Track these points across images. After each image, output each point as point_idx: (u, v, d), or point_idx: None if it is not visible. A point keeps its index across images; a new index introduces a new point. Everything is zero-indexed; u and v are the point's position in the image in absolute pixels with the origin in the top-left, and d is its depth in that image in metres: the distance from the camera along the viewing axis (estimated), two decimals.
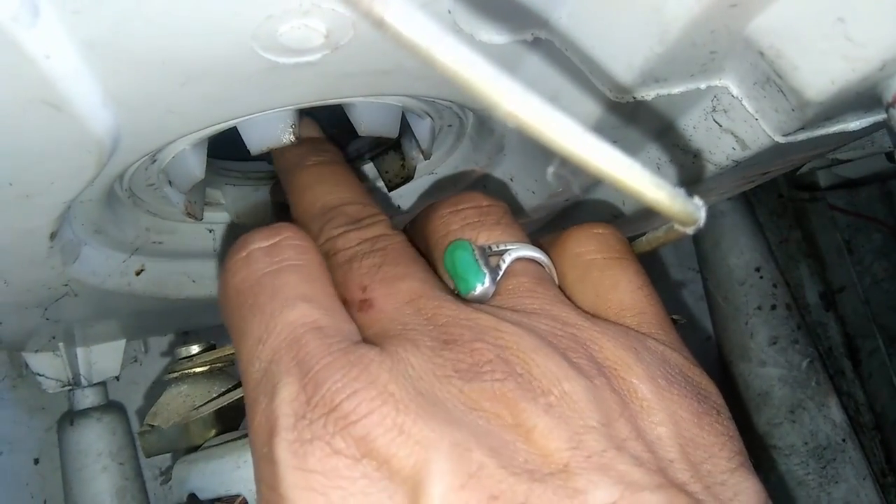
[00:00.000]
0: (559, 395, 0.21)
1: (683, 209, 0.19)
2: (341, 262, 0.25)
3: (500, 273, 0.25)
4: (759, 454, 0.74)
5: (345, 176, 0.30)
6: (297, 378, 0.21)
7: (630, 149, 0.35)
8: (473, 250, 0.25)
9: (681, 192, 0.20)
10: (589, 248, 0.26)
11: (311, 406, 0.20)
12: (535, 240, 0.28)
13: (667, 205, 0.19)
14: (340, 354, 0.21)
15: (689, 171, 0.35)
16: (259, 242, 0.25)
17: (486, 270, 0.24)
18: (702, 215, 0.20)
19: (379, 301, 0.24)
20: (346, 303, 0.24)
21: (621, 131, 0.33)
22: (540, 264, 0.26)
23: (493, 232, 0.26)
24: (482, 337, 0.22)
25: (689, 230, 0.21)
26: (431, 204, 0.28)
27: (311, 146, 0.33)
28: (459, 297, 0.25)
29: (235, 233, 0.44)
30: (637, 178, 0.18)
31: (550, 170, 0.38)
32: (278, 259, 0.24)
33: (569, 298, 0.26)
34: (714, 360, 0.81)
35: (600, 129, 0.32)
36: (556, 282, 0.27)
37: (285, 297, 0.23)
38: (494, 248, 0.25)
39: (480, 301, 0.24)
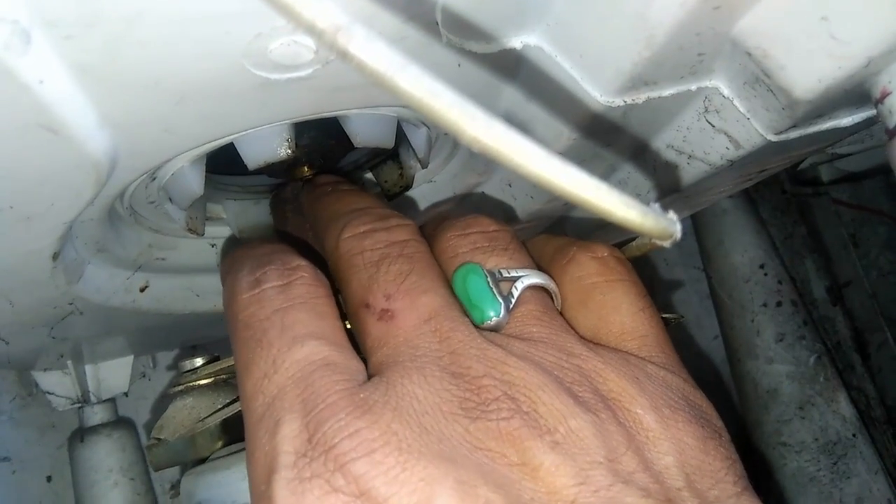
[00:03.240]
0: (565, 432, 0.21)
1: (656, 225, 0.19)
2: (367, 263, 0.25)
3: (513, 301, 0.25)
4: (769, 452, 0.74)
5: (370, 194, 0.31)
6: (301, 416, 0.21)
7: (623, 154, 0.36)
8: (486, 276, 0.25)
9: (654, 207, 0.20)
10: (590, 271, 0.27)
11: (312, 444, 0.20)
12: (535, 259, 0.28)
13: (638, 223, 0.19)
14: (346, 394, 0.21)
15: (685, 172, 0.35)
16: (273, 282, 0.25)
17: (500, 299, 0.24)
18: (677, 229, 0.21)
19: (400, 314, 0.24)
20: (366, 308, 0.24)
21: (613, 136, 0.33)
22: (546, 290, 0.26)
23: (502, 257, 0.26)
24: (490, 372, 0.22)
25: (666, 244, 0.21)
26: (438, 225, 0.28)
27: (338, 181, 0.33)
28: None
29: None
30: (605, 198, 0.18)
31: (520, 186, 0.39)
32: (291, 297, 0.24)
33: (570, 321, 0.26)
34: (721, 358, 0.81)
35: (592, 136, 0.32)
36: (560, 306, 0.27)
37: (295, 334, 0.23)
38: (504, 274, 0.25)
39: (494, 330, 0.24)
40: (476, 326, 0.24)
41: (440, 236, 0.27)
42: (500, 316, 0.24)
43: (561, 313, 0.27)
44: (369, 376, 0.23)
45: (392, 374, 0.22)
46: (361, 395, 0.21)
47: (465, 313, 0.25)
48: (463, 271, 0.25)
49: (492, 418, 0.21)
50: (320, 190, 0.32)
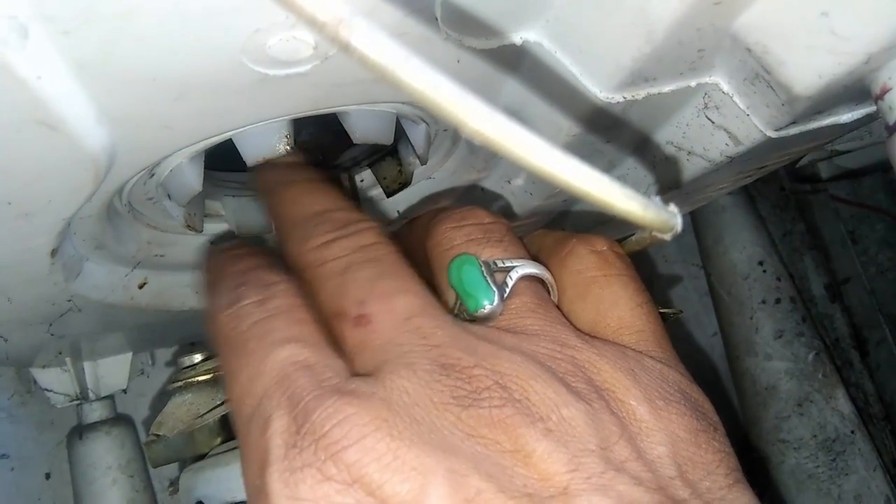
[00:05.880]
0: (558, 420, 0.21)
1: (657, 218, 0.19)
2: (334, 272, 0.25)
3: (508, 291, 0.25)
4: (767, 448, 0.74)
5: (329, 189, 0.30)
6: (288, 410, 0.21)
7: (623, 150, 0.36)
8: (481, 266, 0.25)
9: (655, 201, 0.20)
10: (589, 265, 0.27)
11: (301, 434, 0.20)
12: (533, 252, 0.28)
13: (639, 215, 0.19)
14: (332, 388, 0.21)
15: (684, 168, 0.35)
16: (251, 298, 0.25)
17: (494, 288, 0.24)
18: (677, 222, 0.21)
19: (377, 317, 0.23)
20: (339, 316, 0.24)
21: (613, 132, 0.33)
22: (542, 281, 0.26)
23: (497, 249, 0.26)
24: (480, 363, 0.22)
25: (667, 237, 0.21)
26: (433, 217, 0.28)
27: (293, 167, 0.32)
28: (456, 314, 0.25)
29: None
30: (607, 190, 0.18)
31: (518, 182, 0.39)
32: (267, 308, 0.24)
33: (568, 315, 0.26)
34: (720, 355, 0.81)
35: (592, 132, 0.32)
36: (556, 299, 0.27)
37: (273, 339, 0.23)
38: (499, 265, 0.25)
39: (488, 319, 0.24)
40: (469, 316, 0.24)
41: (435, 228, 0.27)
42: (495, 304, 0.24)
43: (558, 306, 0.26)
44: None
45: (380, 372, 0.22)
46: (350, 387, 0.21)
47: (446, 308, 0.24)
48: (458, 261, 0.25)
49: (484, 406, 0.21)
50: (272, 179, 0.31)
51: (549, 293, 0.27)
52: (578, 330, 0.25)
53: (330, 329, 0.24)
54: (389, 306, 0.23)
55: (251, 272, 0.26)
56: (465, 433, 0.20)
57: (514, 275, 0.25)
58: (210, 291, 0.27)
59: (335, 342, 0.24)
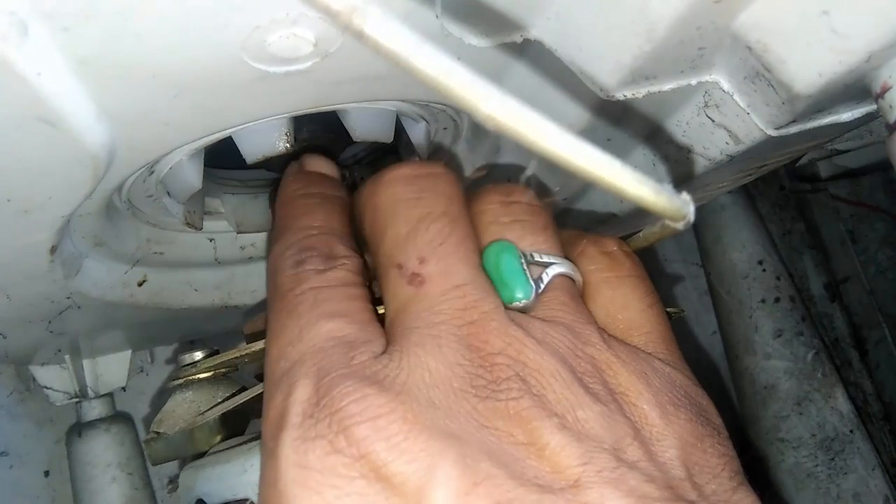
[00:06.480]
0: (573, 420, 0.21)
1: (669, 205, 0.19)
2: (407, 216, 0.25)
3: (542, 287, 0.25)
4: (766, 447, 0.74)
5: None
6: (314, 381, 0.21)
7: (624, 146, 0.36)
8: (520, 257, 0.25)
9: (667, 188, 0.20)
10: (600, 266, 0.27)
11: (319, 406, 0.21)
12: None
13: (651, 201, 0.19)
14: (360, 366, 0.22)
15: (685, 166, 0.35)
16: (315, 265, 0.25)
17: (532, 283, 0.25)
18: (690, 210, 0.21)
19: (430, 280, 0.23)
20: (398, 267, 0.24)
21: (614, 130, 0.33)
22: (573, 280, 0.26)
23: (538, 238, 0.26)
24: (506, 349, 0.22)
25: (679, 226, 0.21)
26: (482, 186, 0.28)
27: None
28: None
29: (236, 242, 0.44)
30: (619, 175, 0.18)
31: (528, 172, 0.38)
32: (327, 279, 0.25)
33: None
34: (720, 354, 0.81)
35: (593, 129, 0.32)
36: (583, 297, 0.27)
37: (324, 310, 0.24)
38: (537, 258, 0.26)
39: (519, 311, 0.25)
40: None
41: (482, 199, 0.27)
42: (530, 299, 0.24)
43: None
44: (387, 336, 0.23)
45: (407, 342, 0.22)
46: (374, 368, 0.22)
47: (493, 286, 0.25)
48: (497, 248, 0.25)
49: (501, 398, 0.21)
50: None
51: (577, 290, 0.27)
52: (602, 330, 0.25)
53: (385, 275, 0.24)
54: (445, 272, 0.24)
55: (323, 237, 0.26)
56: (479, 423, 0.21)
57: (551, 272, 0.25)
58: (278, 241, 0.27)
59: (382, 288, 0.24)
